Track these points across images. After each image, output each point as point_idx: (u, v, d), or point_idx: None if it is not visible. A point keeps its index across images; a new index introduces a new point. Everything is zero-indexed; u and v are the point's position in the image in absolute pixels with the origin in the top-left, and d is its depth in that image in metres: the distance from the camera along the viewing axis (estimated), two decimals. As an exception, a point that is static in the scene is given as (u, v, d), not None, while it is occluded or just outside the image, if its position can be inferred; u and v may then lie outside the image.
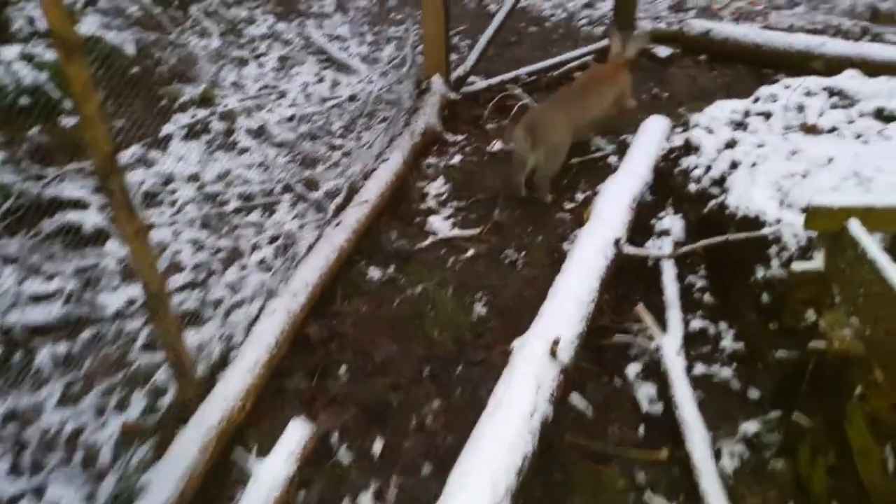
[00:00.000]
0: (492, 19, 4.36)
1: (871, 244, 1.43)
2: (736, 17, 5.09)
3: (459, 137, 3.68)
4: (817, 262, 1.74)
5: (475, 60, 4.17)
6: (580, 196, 3.14)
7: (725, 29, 4.40)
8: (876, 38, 4.62)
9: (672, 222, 2.64)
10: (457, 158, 3.48)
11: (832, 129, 2.66)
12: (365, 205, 2.85)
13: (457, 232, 2.92)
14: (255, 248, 2.79)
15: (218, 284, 2.53)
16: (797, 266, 1.77)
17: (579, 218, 2.76)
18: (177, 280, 2.53)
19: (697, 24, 4.48)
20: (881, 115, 2.64)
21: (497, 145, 3.52)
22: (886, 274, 1.33)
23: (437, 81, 3.81)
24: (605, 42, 4.41)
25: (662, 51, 4.49)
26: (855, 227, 1.49)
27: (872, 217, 1.52)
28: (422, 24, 3.76)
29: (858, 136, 2.57)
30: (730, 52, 4.38)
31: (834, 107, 2.79)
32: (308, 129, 3.70)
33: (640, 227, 2.68)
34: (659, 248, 2.55)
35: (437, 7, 3.64)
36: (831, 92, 2.82)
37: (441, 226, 2.96)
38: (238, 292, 2.49)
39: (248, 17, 5.18)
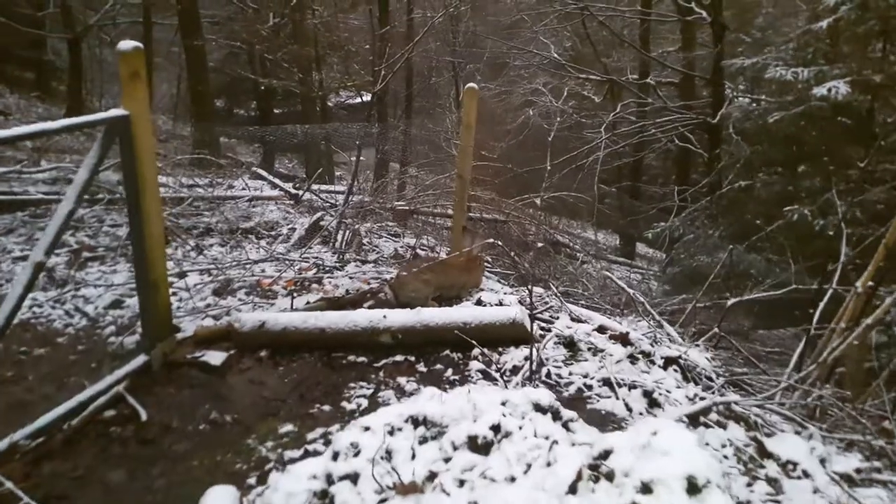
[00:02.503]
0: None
1: None
2: (290, 291, 4.71)
3: None
4: None
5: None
6: None
7: (281, 318, 3.88)
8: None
9: None
10: None
11: (431, 477, 2.12)
12: None
13: None
14: None
15: None
16: None
17: None
18: None
19: (248, 319, 3.86)
20: (475, 445, 2.24)
21: None
22: None
23: None
24: (140, 361, 3.42)
25: (214, 357, 3.69)
26: None
27: None
28: None
29: (461, 483, 2.07)
30: (293, 341, 3.85)
31: (423, 440, 2.30)
32: None
33: None
34: None
35: None
36: (415, 422, 2.35)
37: None
38: None
39: None
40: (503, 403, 2.38)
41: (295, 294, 4.63)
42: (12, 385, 3.57)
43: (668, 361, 3.92)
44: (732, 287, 6.13)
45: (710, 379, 3.93)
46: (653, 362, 3.86)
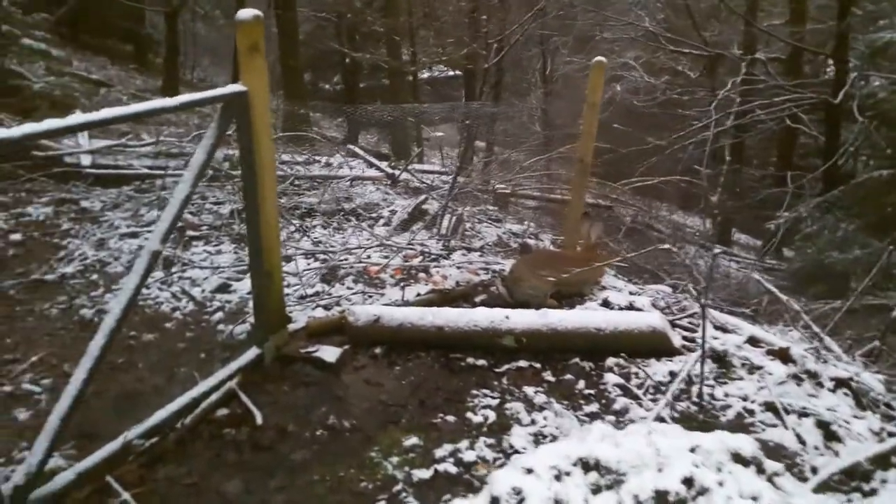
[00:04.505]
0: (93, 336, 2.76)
1: None
2: (398, 280, 4.42)
3: None
4: None
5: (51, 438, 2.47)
6: None
7: (396, 313, 3.59)
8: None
9: None
10: None
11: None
12: None
13: None
14: None
15: None
16: None
17: None
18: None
19: (362, 312, 3.58)
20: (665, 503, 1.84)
21: None
22: None
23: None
24: (252, 354, 3.21)
25: (329, 352, 3.43)
26: None
27: None
28: None
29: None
30: (409, 338, 3.55)
31: (597, 489, 1.92)
32: None
33: None
34: None
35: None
36: (586, 466, 1.97)
37: None
38: None
39: None
40: (692, 450, 1.96)
41: (403, 284, 4.33)
42: (122, 373, 3.43)
43: (838, 384, 3.37)
44: (879, 290, 5.39)
45: (889, 406, 3.35)
46: (821, 384, 3.32)
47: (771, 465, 2.01)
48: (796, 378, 3.35)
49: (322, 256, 4.72)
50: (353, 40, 14.67)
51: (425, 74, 16.89)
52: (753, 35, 15.39)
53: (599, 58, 4.51)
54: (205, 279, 4.42)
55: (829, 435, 2.97)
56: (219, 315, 4.00)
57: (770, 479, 1.95)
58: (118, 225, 5.35)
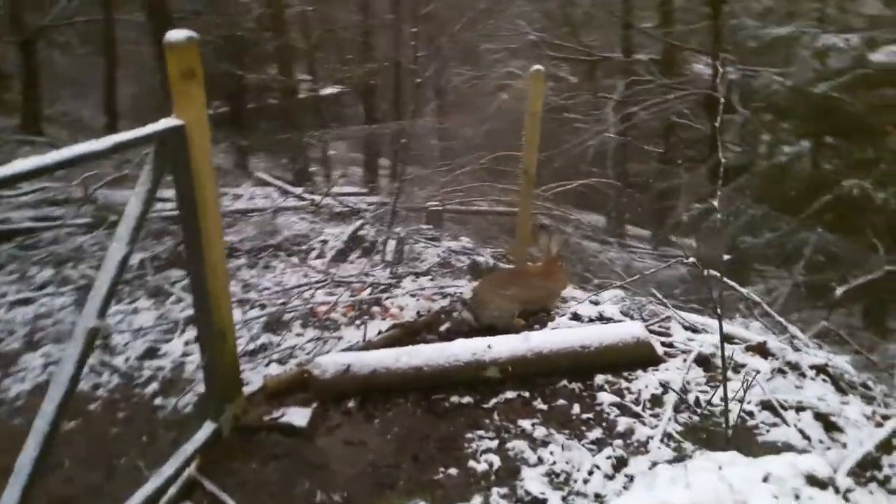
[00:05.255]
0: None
1: None
2: (352, 319, 4.04)
3: None
4: None
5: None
6: None
7: (368, 359, 3.23)
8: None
9: None
10: None
11: None
12: None
13: None
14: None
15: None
16: None
17: None
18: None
19: (329, 363, 3.19)
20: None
21: None
22: None
23: None
24: (208, 430, 2.74)
25: (298, 415, 3.01)
26: None
27: None
28: None
29: None
30: (384, 385, 3.20)
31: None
32: None
33: None
34: None
35: None
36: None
37: None
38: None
39: None
40: (765, 479, 1.79)
41: (359, 323, 3.96)
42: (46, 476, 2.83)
43: (817, 371, 3.39)
44: (802, 273, 5.65)
45: (866, 387, 3.41)
46: (803, 375, 3.32)
47: (843, 482, 1.88)
48: (781, 371, 3.34)
49: (260, 301, 4.24)
50: (240, 60, 13.91)
51: (326, 92, 16.31)
52: (629, 39, 16.20)
53: (537, 66, 4.38)
54: (126, 345, 3.81)
55: (829, 426, 2.94)
56: (152, 387, 3.44)
57: (846, 498, 1.81)
58: (4, 292, 4.56)
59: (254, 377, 3.35)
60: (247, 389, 3.19)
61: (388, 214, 4.98)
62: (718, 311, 2.63)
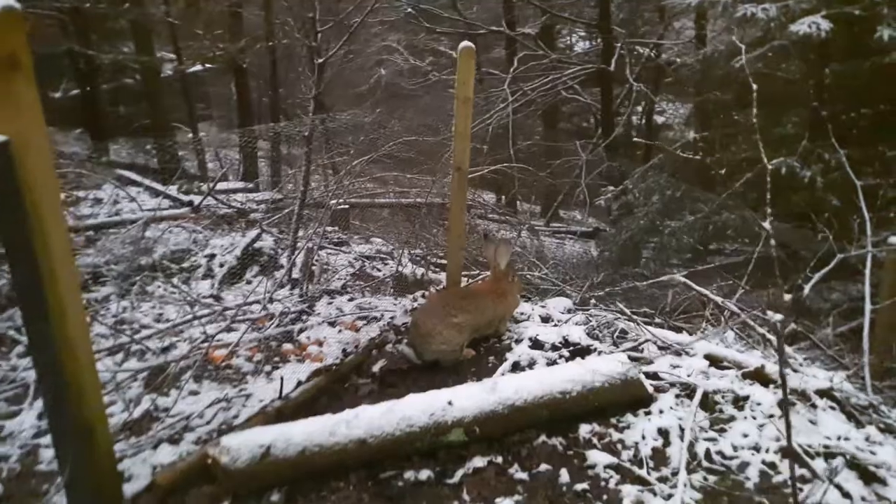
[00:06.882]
0: None
1: None
2: (259, 362, 3.17)
3: None
4: None
5: None
6: None
7: (293, 434, 2.41)
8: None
9: None
10: None
11: None
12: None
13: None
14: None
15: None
16: None
17: None
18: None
19: (241, 446, 2.34)
20: None
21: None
22: None
23: None
24: None
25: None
26: None
27: None
28: None
29: None
30: (319, 467, 2.41)
31: None
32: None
33: None
34: None
35: None
36: None
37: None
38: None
39: None
40: None
41: (270, 370, 3.10)
42: None
43: (821, 396, 2.99)
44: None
45: (877, 412, 3.01)
46: (814, 406, 2.88)
47: None
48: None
49: (137, 347, 3.24)
50: (86, 37, 11.96)
51: (189, 69, 14.55)
52: (511, 13, 15.83)
53: (466, 42, 3.63)
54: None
55: (867, 477, 2.51)
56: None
57: None
58: None
59: (137, 468, 2.43)
60: (129, 488, 2.28)
61: (292, 218, 4.04)
62: (783, 385, 2.04)
